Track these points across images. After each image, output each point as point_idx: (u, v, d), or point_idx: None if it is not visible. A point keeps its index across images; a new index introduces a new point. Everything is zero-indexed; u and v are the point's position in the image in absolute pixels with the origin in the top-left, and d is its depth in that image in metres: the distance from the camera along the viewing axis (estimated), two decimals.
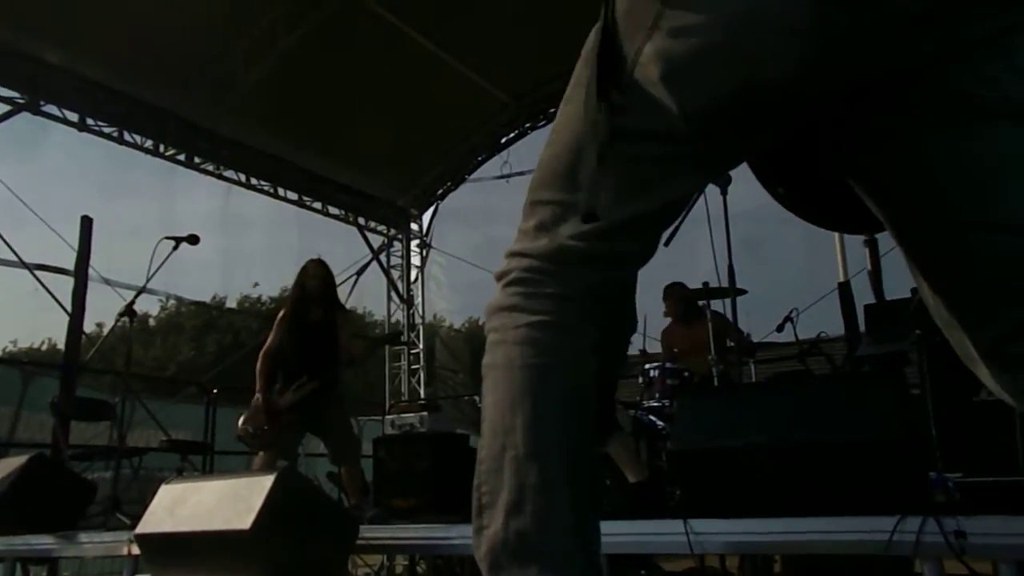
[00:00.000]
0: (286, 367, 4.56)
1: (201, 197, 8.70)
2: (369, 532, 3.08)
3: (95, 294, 6.18)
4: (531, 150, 8.87)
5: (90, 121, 6.79)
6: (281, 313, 4.76)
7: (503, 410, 1.03)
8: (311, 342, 4.56)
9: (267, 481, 2.49)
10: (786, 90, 0.91)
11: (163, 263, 4.49)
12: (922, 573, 2.11)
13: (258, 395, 4.52)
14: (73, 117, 6.68)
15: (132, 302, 4.62)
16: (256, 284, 21.97)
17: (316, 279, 4.63)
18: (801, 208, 1.15)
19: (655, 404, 4.56)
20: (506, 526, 0.99)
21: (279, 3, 6.72)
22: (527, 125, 8.87)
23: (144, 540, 2.75)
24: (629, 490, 3.58)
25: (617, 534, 2.52)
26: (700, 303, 4.92)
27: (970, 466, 2.58)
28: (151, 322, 23.67)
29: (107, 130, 6.93)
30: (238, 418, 4.60)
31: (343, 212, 9.11)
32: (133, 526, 2.90)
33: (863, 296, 5.08)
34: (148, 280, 4.54)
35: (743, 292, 4.47)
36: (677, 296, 5.26)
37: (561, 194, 1.06)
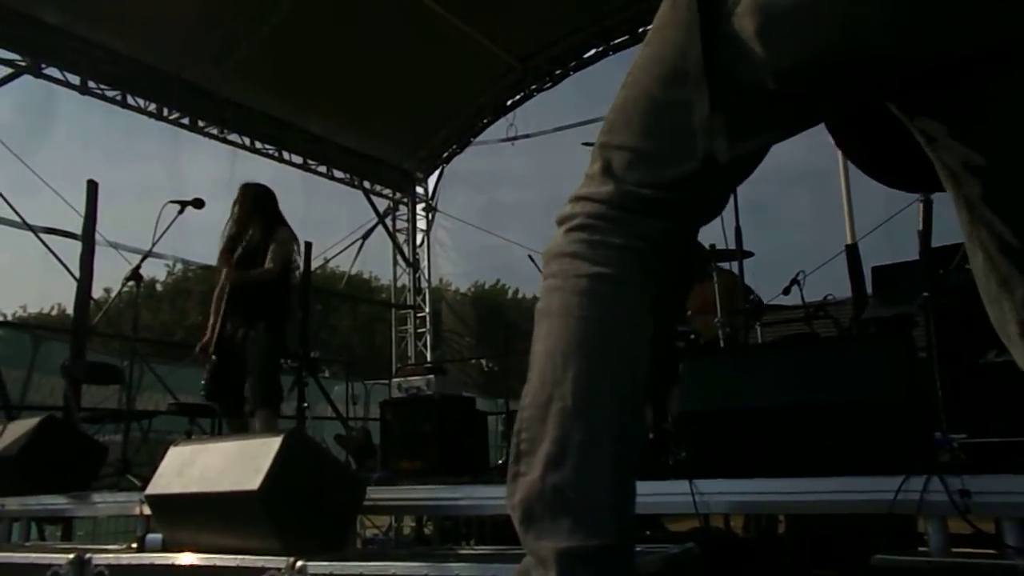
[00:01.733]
0: (228, 303, 4.31)
1: (207, 162, 8.67)
2: (376, 493, 3.11)
3: (102, 259, 6.19)
4: (537, 113, 8.76)
5: (92, 84, 6.73)
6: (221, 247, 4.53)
7: (554, 359, 1.01)
8: (246, 271, 4.28)
9: (275, 443, 2.51)
10: (885, 56, 0.86)
11: (168, 227, 4.48)
12: (926, 532, 2.12)
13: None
14: (75, 80, 6.63)
15: (138, 266, 4.63)
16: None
17: (238, 203, 4.41)
18: (864, 161, 1.13)
19: None
20: (544, 477, 0.98)
21: None
22: (533, 87, 8.74)
23: (154, 501, 2.79)
24: None
25: None
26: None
27: (975, 427, 2.58)
28: (158, 287, 23.73)
29: (110, 93, 6.88)
30: None
31: (348, 176, 9.06)
32: (143, 487, 2.93)
33: (871, 258, 5.04)
34: (154, 244, 4.54)
35: (750, 255, 4.45)
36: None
37: (633, 139, 1.02)
